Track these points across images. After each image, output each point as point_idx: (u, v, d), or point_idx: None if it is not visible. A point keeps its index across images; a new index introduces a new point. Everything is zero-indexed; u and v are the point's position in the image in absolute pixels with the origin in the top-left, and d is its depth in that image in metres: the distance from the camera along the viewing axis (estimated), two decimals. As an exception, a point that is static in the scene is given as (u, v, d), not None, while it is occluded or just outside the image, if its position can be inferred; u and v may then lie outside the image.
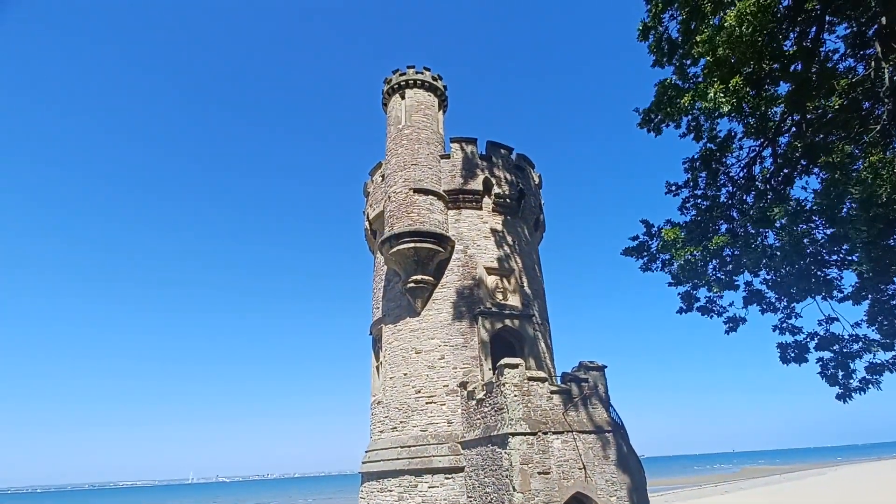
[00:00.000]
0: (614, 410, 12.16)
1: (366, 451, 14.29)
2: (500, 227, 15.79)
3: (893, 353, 10.50)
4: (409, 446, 12.74)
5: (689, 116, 11.00)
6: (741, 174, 10.93)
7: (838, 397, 10.51)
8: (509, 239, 15.78)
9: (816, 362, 10.98)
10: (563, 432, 10.68)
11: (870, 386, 10.29)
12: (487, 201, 15.93)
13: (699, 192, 11.71)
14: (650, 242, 12.11)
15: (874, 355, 10.37)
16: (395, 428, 13.50)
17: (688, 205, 11.90)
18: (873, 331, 10.50)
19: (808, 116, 9.38)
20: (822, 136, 9.04)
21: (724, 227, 11.03)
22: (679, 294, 12.35)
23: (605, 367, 12.26)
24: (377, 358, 15.88)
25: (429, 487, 12.02)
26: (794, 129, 10.04)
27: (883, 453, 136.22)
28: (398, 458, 12.66)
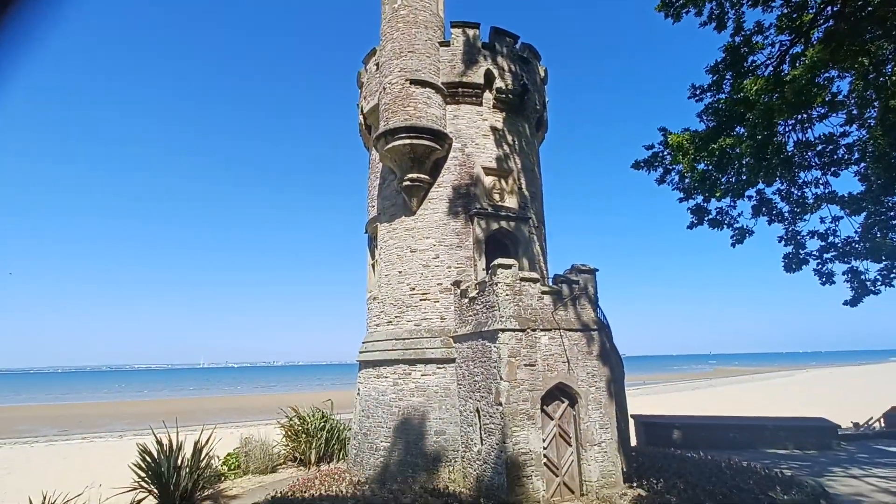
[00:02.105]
0: (601, 311, 12.57)
1: (363, 342, 15.01)
2: (500, 125, 15.02)
3: (881, 265, 10.70)
4: (404, 339, 13.33)
5: (714, 2, 10.04)
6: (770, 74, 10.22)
7: (846, 303, 10.91)
8: (509, 138, 15.10)
9: (815, 271, 11.21)
10: (550, 329, 11.11)
11: (878, 288, 10.63)
12: (488, 96, 14.95)
13: (723, 97, 11.00)
14: (665, 153, 11.63)
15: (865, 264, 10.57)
16: (391, 322, 14.02)
17: (709, 111, 11.25)
18: (865, 247, 10.64)
19: (846, 10, 8.52)
20: (857, 32, 8.28)
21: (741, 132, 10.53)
22: (689, 208, 12.18)
23: (597, 270, 12.43)
24: (373, 256, 16.03)
25: (421, 375, 12.80)
26: (830, 22, 9.14)
27: (848, 360, 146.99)
28: (393, 349, 13.32)
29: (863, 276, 10.77)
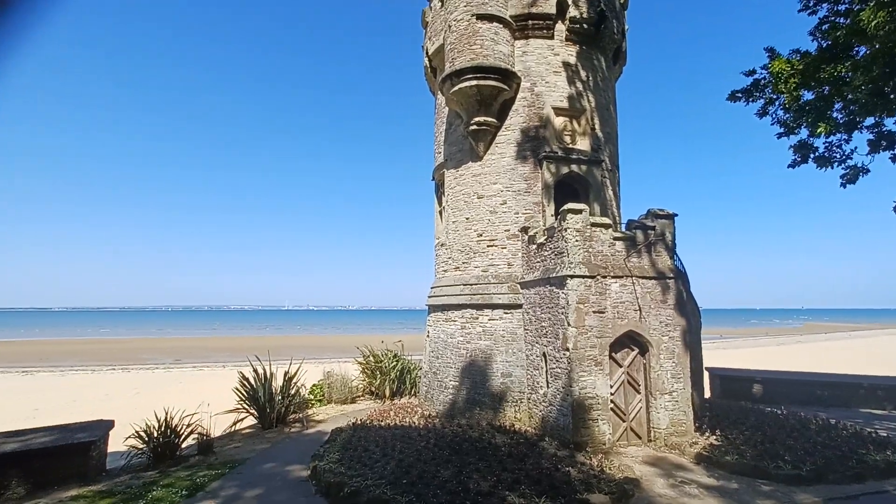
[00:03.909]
0: (678, 258, 11.91)
1: (431, 288, 15.48)
2: (573, 60, 13.98)
3: None
4: (471, 284, 13.55)
5: None
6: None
7: None
8: (583, 74, 14.06)
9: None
10: (622, 276, 10.75)
11: None
12: (560, 28, 13.87)
13: (842, 9, 9.38)
14: (768, 79, 10.27)
15: None
16: (458, 268, 14.25)
17: (824, 27, 9.67)
18: None
19: None
20: None
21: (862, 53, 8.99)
22: (791, 146, 10.82)
23: (676, 215, 11.65)
24: (440, 203, 16.13)
25: (489, 320, 13.06)
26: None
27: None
28: (461, 295, 13.62)
29: None
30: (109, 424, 10.68)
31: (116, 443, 10.86)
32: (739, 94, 10.76)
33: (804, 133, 10.38)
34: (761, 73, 10.34)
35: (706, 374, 15.13)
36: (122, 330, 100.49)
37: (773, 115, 10.62)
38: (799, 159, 10.74)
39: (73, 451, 9.14)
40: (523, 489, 7.44)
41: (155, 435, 10.56)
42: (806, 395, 15.83)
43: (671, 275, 11.20)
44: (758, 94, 10.44)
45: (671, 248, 11.46)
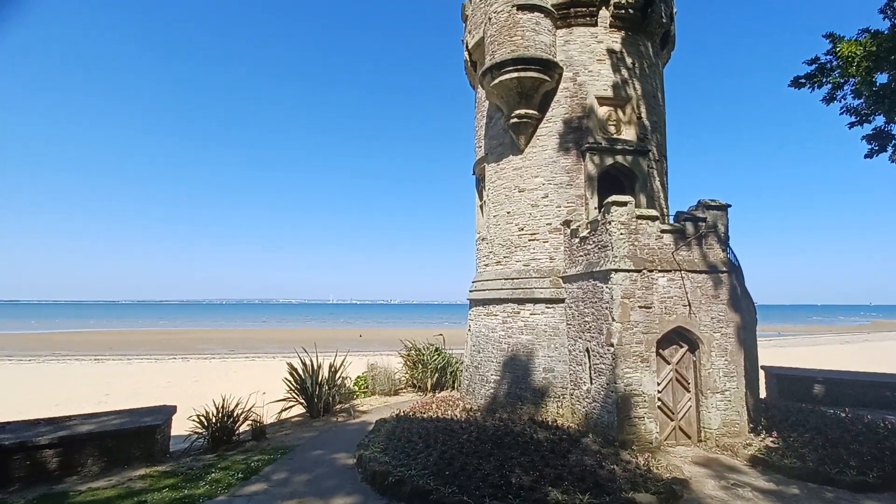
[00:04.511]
0: (731, 251, 11.35)
1: (473, 282, 15.52)
2: (617, 47, 13.52)
3: None
4: (513, 279, 13.47)
5: None
6: None
7: None
8: (628, 61, 13.58)
9: None
10: (670, 270, 10.37)
11: None
12: (604, 14, 13.44)
13: None
14: (834, 63, 9.59)
15: None
16: (499, 262, 14.21)
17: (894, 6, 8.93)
18: None
19: None
20: None
21: None
22: (864, 137, 10.07)
23: (729, 206, 11.10)
24: (480, 197, 16.10)
25: (530, 314, 12.96)
26: None
27: None
28: (502, 289, 13.57)
29: None
30: (172, 409, 11.43)
31: (178, 427, 11.61)
32: (803, 80, 10.08)
33: (880, 120, 9.60)
34: (826, 59, 9.64)
35: (762, 373, 14.38)
36: (180, 322, 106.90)
37: (842, 102, 9.88)
38: (876, 148, 9.94)
39: (141, 433, 9.85)
40: (566, 485, 7.38)
41: (213, 420, 11.23)
42: (873, 397, 14.72)
43: (724, 268, 10.70)
44: (823, 78, 9.73)
45: (724, 240, 10.94)
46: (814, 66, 9.92)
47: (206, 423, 11.20)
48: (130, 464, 9.53)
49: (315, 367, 14.23)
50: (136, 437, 9.77)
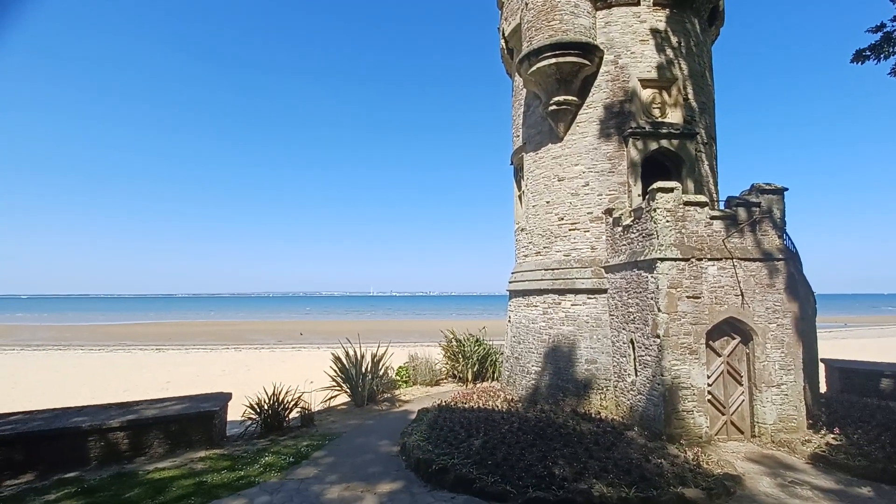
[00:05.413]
0: (788, 237, 10.71)
1: (512, 273, 15.42)
2: (662, 26, 12.93)
3: None
4: (553, 269, 13.28)
5: None
6: None
7: None
8: (673, 40, 12.96)
9: None
10: (720, 259, 9.92)
11: None
12: (647, -8, 12.89)
13: None
14: None
15: None
16: (539, 253, 14.03)
17: None
18: None
19: None
20: None
21: None
22: None
23: (786, 189, 10.46)
24: (519, 187, 15.92)
25: (571, 305, 12.75)
26: None
27: None
28: (542, 279, 13.41)
29: None
30: (228, 396, 12.08)
31: (233, 412, 12.26)
32: (867, 52, 9.31)
33: None
34: (893, 25, 8.85)
35: (822, 367, 13.56)
36: (232, 314, 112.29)
37: None
38: None
39: (201, 418, 10.48)
40: (611, 478, 7.27)
41: (265, 407, 11.79)
42: (953, 393, 13.57)
43: (780, 256, 10.13)
44: (891, 48, 8.95)
45: (780, 226, 10.34)
46: (879, 35, 9.14)
47: (258, 410, 11.78)
48: (192, 446, 10.17)
49: (358, 357, 14.62)
50: (196, 421, 10.40)
